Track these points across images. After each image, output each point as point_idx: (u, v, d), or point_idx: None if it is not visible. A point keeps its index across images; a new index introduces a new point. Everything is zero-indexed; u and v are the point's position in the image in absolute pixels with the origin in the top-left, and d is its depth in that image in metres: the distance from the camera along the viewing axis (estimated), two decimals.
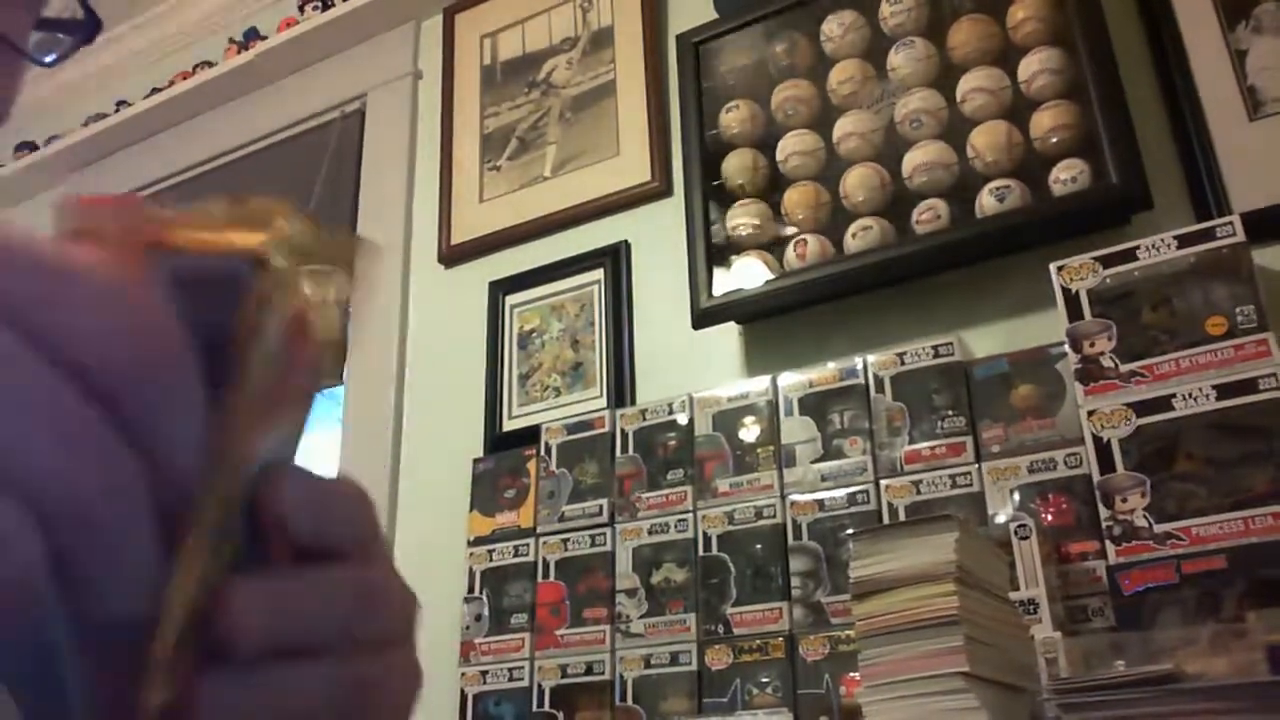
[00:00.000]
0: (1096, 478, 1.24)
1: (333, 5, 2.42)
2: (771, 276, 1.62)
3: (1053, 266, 1.35)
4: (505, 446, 1.84)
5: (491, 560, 1.71)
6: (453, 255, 2.09)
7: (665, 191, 1.88)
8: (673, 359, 1.76)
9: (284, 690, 0.26)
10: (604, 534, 1.61)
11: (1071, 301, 1.32)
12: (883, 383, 1.48)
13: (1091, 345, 1.28)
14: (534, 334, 1.93)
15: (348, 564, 0.28)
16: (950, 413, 1.42)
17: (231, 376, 0.24)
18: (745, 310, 1.65)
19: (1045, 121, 1.48)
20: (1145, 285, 1.29)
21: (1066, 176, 1.44)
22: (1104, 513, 1.22)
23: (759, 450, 1.53)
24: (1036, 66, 1.51)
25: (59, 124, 2.87)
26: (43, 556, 0.20)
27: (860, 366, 1.51)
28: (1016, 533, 1.21)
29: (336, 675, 0.27)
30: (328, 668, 0.27)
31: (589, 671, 1.54)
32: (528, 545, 1.68)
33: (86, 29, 0.54)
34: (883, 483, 1.43)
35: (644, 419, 1.65)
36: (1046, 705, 1.01)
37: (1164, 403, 1.22)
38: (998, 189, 1.48)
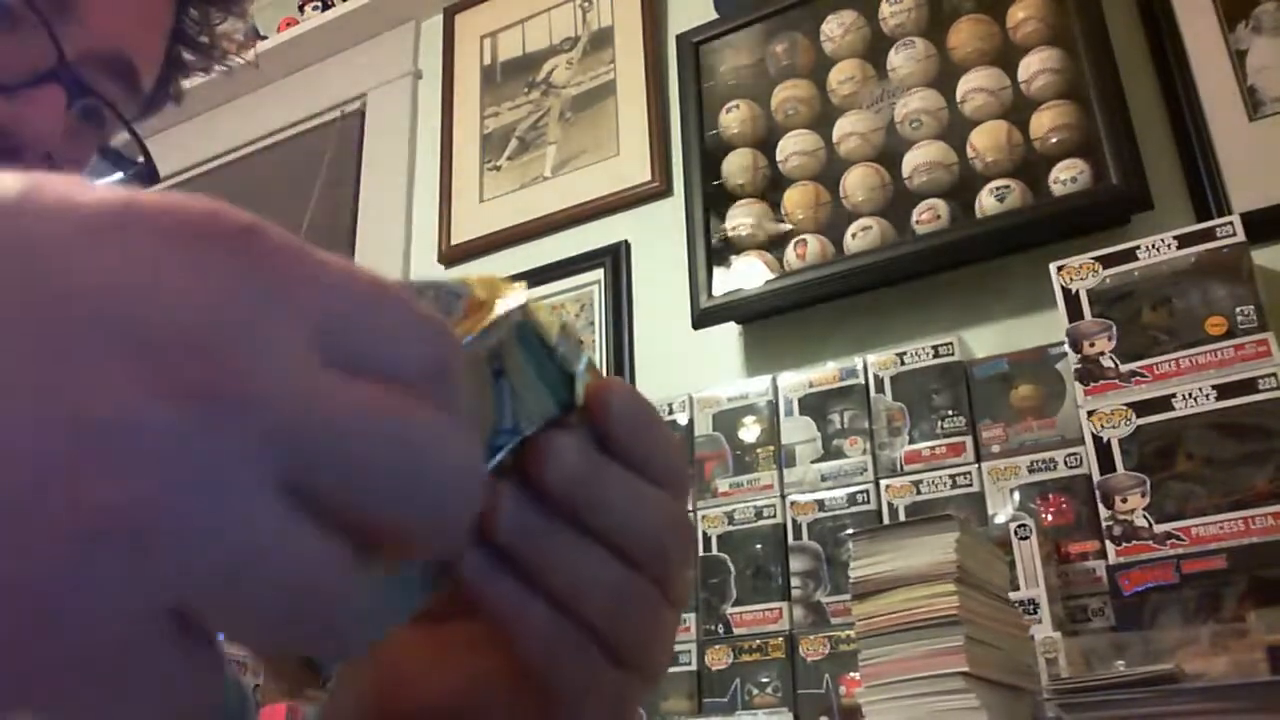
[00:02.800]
0: (1096, 478, 1.24)
1: (332, 5, 2.42)
2: (771, 276, 1.62)
3: (1053, 266, 1.35)
4: None
5: None
6: (453, 255, 2.09)
7: (665, 191, 1.88)
8: (673, 359, 1.76)
9: (572, 560, 0.28)
10: None
11: (1071, 301, 1.32)
12: (882, 383, 1.48)
13: (1091, 345, 1.28)
14: None
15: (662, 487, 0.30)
16: (950, 413, 1.42)
17: None
18: (745, 310, 1.65)
19: (1045, 121, 1.48)
20: (1145, 285, 1.29)
21: (1066, 176, 1.44)
22: (1104, 512, 1.22)
23: (759, 450, 1.53)
24: (1036, 66, 1.51)
25: None
26: None
27: (860, 366, 1.51)
28: (1016, 533, 1.21)
29: (629, 575, 0.29)
30: (620, 566, 0.29)
31: None
32: None
33: (143, 176, 0.54)
34: (883, 483, 1.43)
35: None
36: (1046, 705, 1.01)
37: (1164, 403, 1.22)
38: (998, 189, 1.49)
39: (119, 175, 0.54)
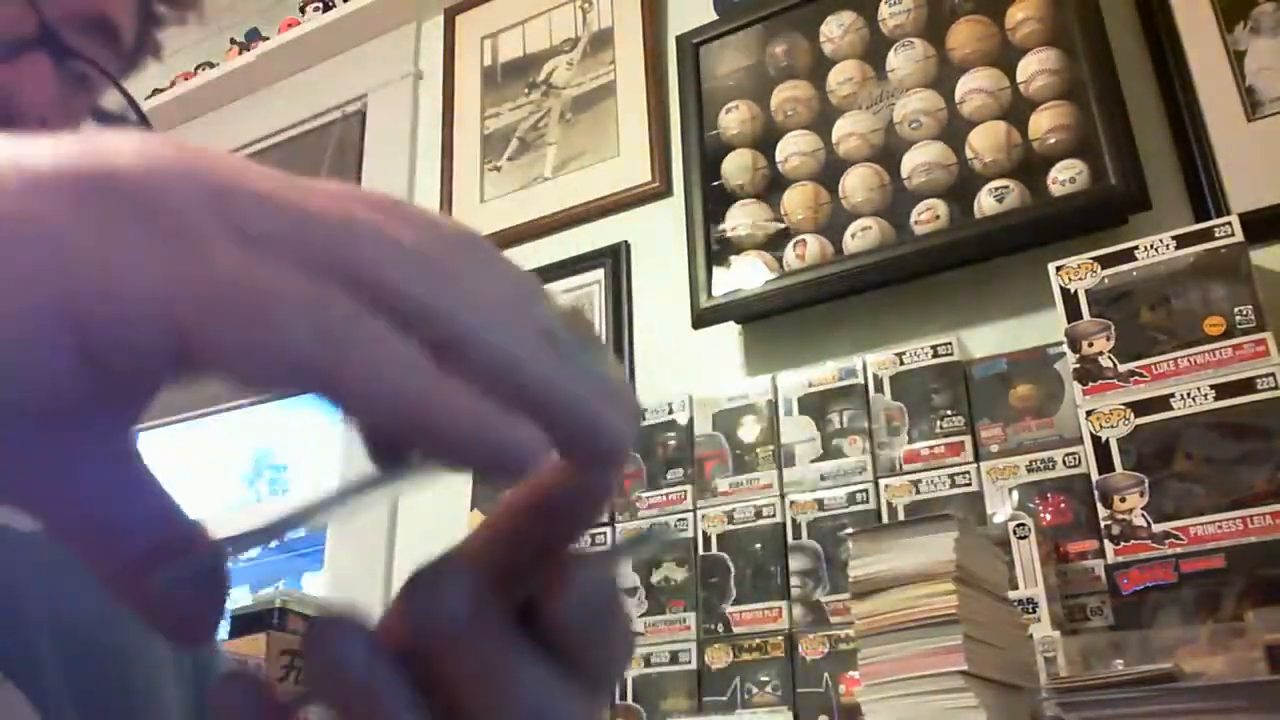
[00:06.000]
0: (1095, 477, 1.24)
1: (334, 6, 2.43)
2: (771, 276, 1.63)
3: (1051, 266, 1.35)
4: None
5: None
6: None
7: (665, 192, 1.88)
8: (673, 359, 1.76)
9: None
10: (604, 533, 1.62)
11: (1070, 301, 1.32)
12: (882, 382, 1.48)
13: (1090, 345, 1.29)
14: None
15: None
16: (949, 412, 1.42)
17: None
18: (745, 310, 1.66)
19: (1044, 122, 1.49)
20: (1143, 285, 1.29)
21: (1065, 177, 1.45)
22: (1103, 512, 1.23)
23: (759, 450, 1.54)
24: (1035, 67, 1.51)
25: None
26: None
27: (859, 366, 1.51)
28: (1015, 532, 1.21)
29: None
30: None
31: None
32: None
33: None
34: (882, 482, 1.43)
35: (644, 419, 1.66)
36: (1045, 704, 1.01)
37: (1162, 402, 1.22)
38: (997, 189, 1.49)
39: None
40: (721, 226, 1.70)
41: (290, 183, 0.22)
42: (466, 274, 0.23)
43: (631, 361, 1.83)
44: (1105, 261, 1.32)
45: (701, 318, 1.67)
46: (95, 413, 0.22)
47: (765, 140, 1.72)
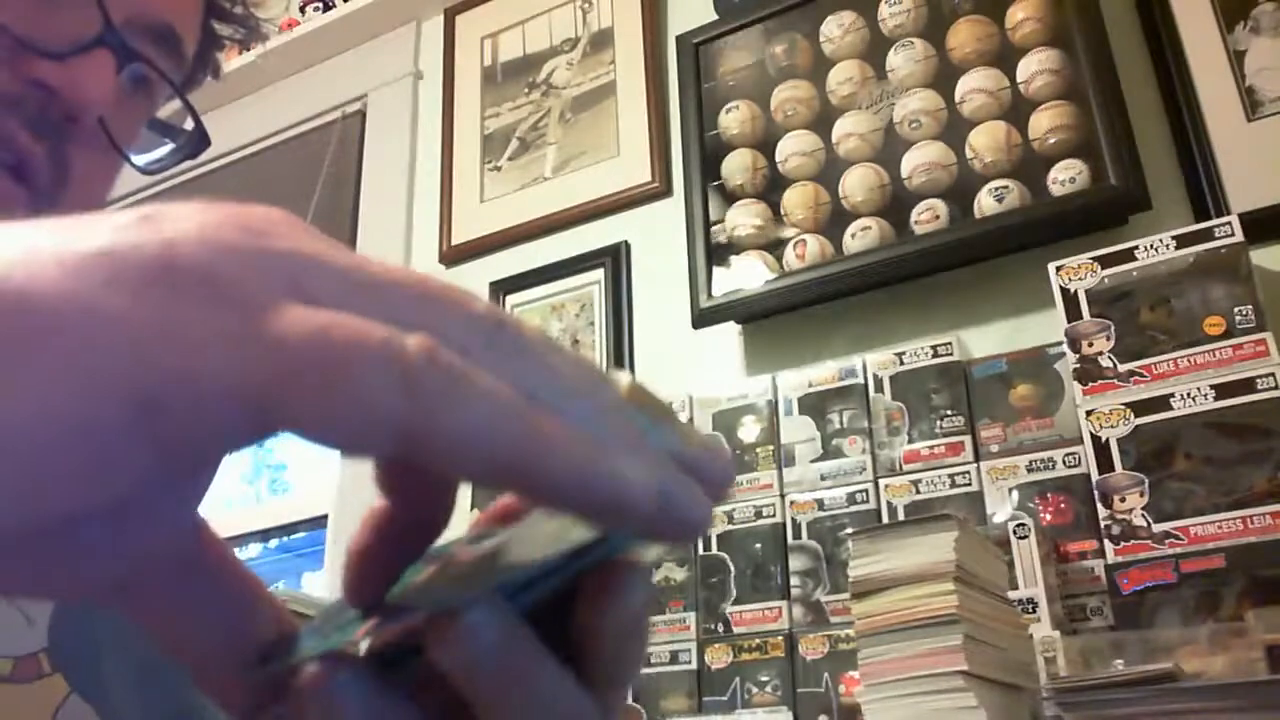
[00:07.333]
0: (1095, 477, 1.24)
1: (333, 6, 2.43)
2: (771, 276, 1.63)
3: (1051, 266, 1.35)
4: None
5: None
6: (453, 255, 2.09)
7: (665, 192, 1.88)
8: (673, 359, 1.76)
9: None
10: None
11: (1070, 301, 1.32)
12: (882, 382, 1.48)
13: (1090, 345, 1.29)
14: None
15: None
16: (949, 412, 1.42)
17: None
18: (745, 310, 1.66)
19: (1044, 122, 1.49)
20: (1143, 285, 1.29)
21: (1065, 177, 1.45)
22: (1102, 512, 1.23)
23: (759, 450, 1.54)
24: (1035, 67, 1.51)
25: None
26: None
27: (859, 366, 1.51)
28: (1015, 532, 1.21)
29: None
30: None
31: None
32: None
33: (192, 143, 0.55)
34: (882, 482, 1.43)
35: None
36: (1045, 704, 1.01)
37: (1162, 402, 1.22)
38: (997, 189, 1.49)
39: (169, 145, 0.54)
40: (721, 226, 1.70)
41: (362, 258, 0.21)
42: (533, 350, 0.22)
43: (631, 362, 1.83)
44: (1105, 261, 1.32)
45: (701, 318, 1.67)
46: (161, 499, 0.21)
47: (765, 140, 1.72)
